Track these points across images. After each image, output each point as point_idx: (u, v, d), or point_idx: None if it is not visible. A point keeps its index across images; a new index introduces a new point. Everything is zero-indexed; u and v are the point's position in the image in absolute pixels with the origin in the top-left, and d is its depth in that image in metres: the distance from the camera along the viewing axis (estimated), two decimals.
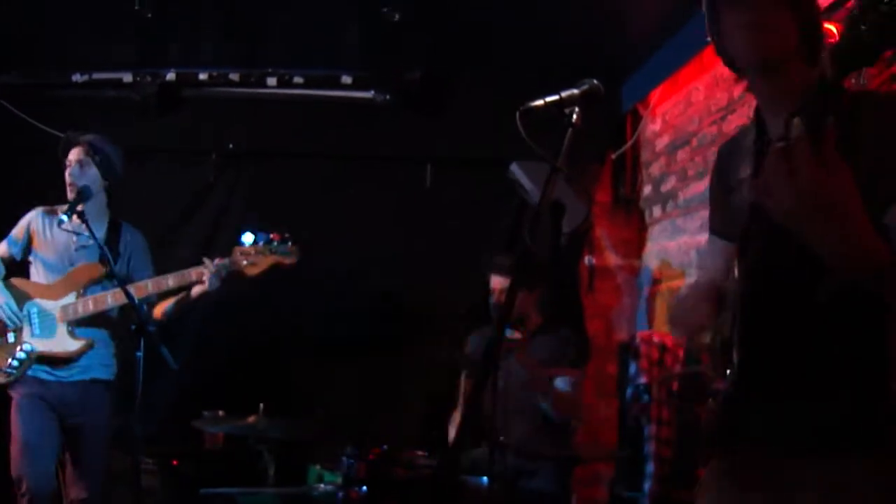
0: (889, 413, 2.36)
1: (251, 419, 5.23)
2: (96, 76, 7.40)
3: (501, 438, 4.69)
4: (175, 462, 6.22)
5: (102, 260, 5.19)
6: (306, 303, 6.76)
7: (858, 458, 2.34)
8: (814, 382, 2.43)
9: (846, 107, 2.25)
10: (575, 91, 2.66)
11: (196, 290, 5.33)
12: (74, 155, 5.35)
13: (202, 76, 7.23)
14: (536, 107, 2.65)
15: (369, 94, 7.04)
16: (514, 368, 5.20)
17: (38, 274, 5.41)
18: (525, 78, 6.39)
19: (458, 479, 4.79)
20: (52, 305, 5.27)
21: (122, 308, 5.32)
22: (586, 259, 7.15)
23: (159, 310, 5.47)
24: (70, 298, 5.27)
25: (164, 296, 5.42)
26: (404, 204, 7.11)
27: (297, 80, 7.11)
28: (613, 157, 7.22)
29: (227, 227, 7.17)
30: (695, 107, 6.16)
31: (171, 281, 5.27)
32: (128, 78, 7.32)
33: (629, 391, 5.97)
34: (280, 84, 7.14)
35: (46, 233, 5.41)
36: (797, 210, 2.05)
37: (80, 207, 5.16)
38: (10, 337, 5.23)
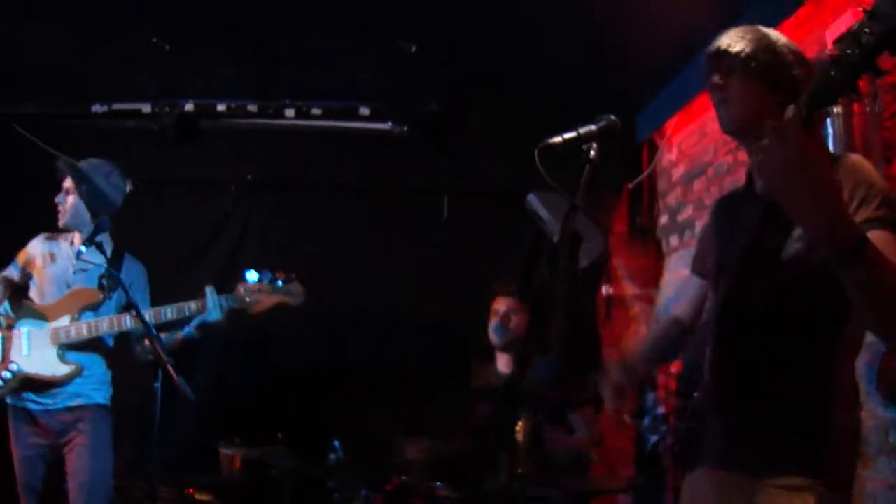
0: (827, 440, 2.55)
1: (269, 448, 5.29)
2: (115, 107, 7.48)
3: (520, 470, 4.74)
4: (192, 491, 6.18)
5: (101, 286, 5.25)
6: (323, 333, 6.84)
7: (802, 484, 2.52)
8: (764, 404, 2.61)
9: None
10: (592, 127, 2.75)
11: (199, 320, 5.30)
12: (65, 182, 5.40)
13: (220, 107, 7.31)
14: (555, 143, 2.74)
15: (387, 126, 7.09)
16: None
17: (35, 296, 5.40)
18: (541, 109, 6.47)
19: None
20: (45, 326, 5.25)
21: (120, 336, 5.33)
22: (604, 289, 7.19)
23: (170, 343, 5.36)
24: (63, 321, 5.24)
25: (164, 327, 5.33)
26: (421, 235, 7.17)
27: (315, 111, 7.15)
28: (630, 186, 7.27)
29: (244, 257, 7.25)
30: (710, 136, 6.19)
31: (170, 312, 5.23)
32: (146, 109, 7.40)
33: (646, 421, 5.98)
34: (298, 115, 7.18)
35: (46, 257, 5.44)
36: (784, 178, 2.24)
37: (98, 238, 5.17)
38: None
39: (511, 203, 6.70)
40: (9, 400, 5.25)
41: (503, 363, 5.97)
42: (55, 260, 5.43)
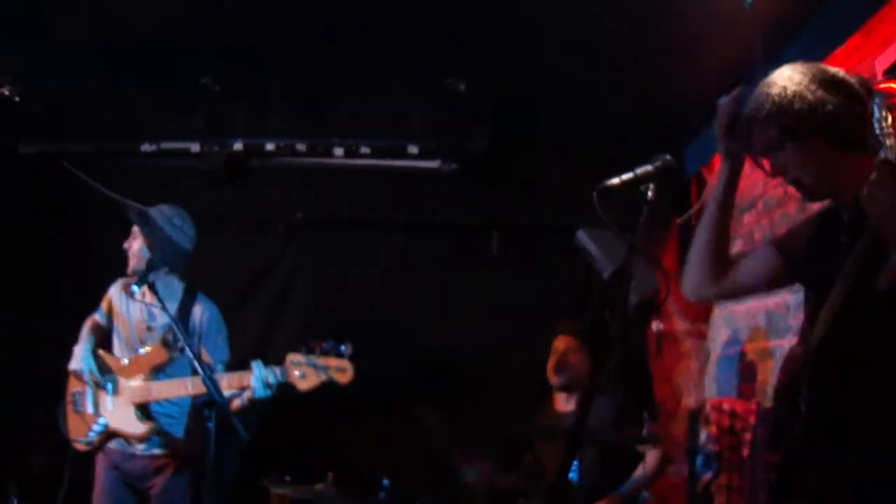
0: None
1: (319, 487, 5.32)
2: (164, 146, 7.60)
3: None
4: None
5: (165, 341, 5.34)
6: (374, 370, 6.85)
7: None
8: (866, 439, 2.56)
9: None
10: (649, 168, 2.78)
11: (247, 395, 5.31)
12: (133, 228, 5.51)
13: (269, 146, 7.41)
14: (612, 185, 2.75)
15: (435, 164, 7.20)
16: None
17: (116, 347, 5.56)
18: (590, 144, 6.55)
19: None
20: (124, 384, 5.39)
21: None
22: (654, 325, 7.20)
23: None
24: (138, 381, 5.36)
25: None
26: (471, 271, 7.23)
27: (364, 150, 7.24)
28: (679, 221, 7.28)
29: (294, 295, 7.37)
30: (759, 170, 6.19)
31: (224, 381, 5.19)
32: (195, 148, 7.52)
33: (699, 459, 5.99)
34: (347, 154, 7.28)
35: (122, 306, 5.57)
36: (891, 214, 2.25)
37: (150, 278, 5.24)
38: (90, 407, 5.40)
39: (560, 238, 6.68)
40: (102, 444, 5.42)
41: (562, 402, 6.02)
42: (130, 310, 5.53)
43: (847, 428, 2.61)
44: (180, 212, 5.60)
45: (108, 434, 5.35)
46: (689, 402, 6.95)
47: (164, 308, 5.04)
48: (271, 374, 5.19)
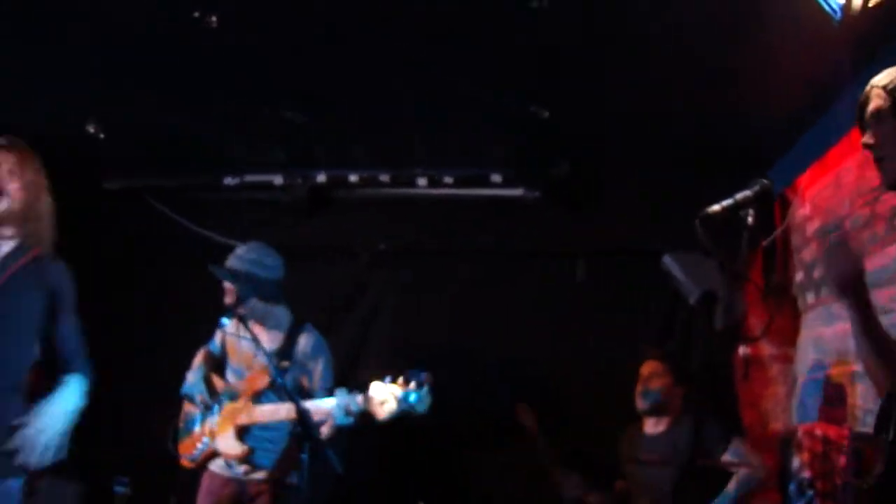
0: None
1: None
2: (248, 179, 7.78)
3: None
4: None
5: (266, 368, 5.47)
6: (460, 398, 6.92)
7: None
8: None
9: None
10: (749, 193, 2.86)
11: (329, 423, 5.35)
12: (224, 278, 5.74)
13: (352, 178, 7.52)
14: (714, 212, 2.84)
15: (519, 192, 7.19)
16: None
17: (228, 374, 5.86)
18: (674, 168, 6.60)
19: None
20: (229, 407, 5.65)
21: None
22: (741, 350, 7.21)
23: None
24: (241, 404, 5.60)
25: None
26: (556, 299, 7.27)
27: (447, 179, 7.31)
28: (764, 244, 7.30)
29: (379, 326, 7.50)
30: (845, 188, 6.13)
31: (311, 407, 5.26)
32: (278, 180, 7.68)
33: (792, 486, 5.98)
34: (430, 184, 7.36)
35: (235, 338, 5.80)
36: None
37: (240, 311, 5.50)
38: (197, 427, 5.71)
39: (646, 263, 6.69)
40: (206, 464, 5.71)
41: (651, 425, 6.09)
42: (241, 340, 5.75)
43: None
44: (261, 248, 5.82)
45: (211, 453, 5.63)
46: (777, 427, 6.95)
47: (254, 339, 5.19)
48: (353, 402, 5.27)
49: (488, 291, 7.37)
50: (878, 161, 2.86)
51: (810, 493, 5.68)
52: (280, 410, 5.41)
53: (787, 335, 7.05)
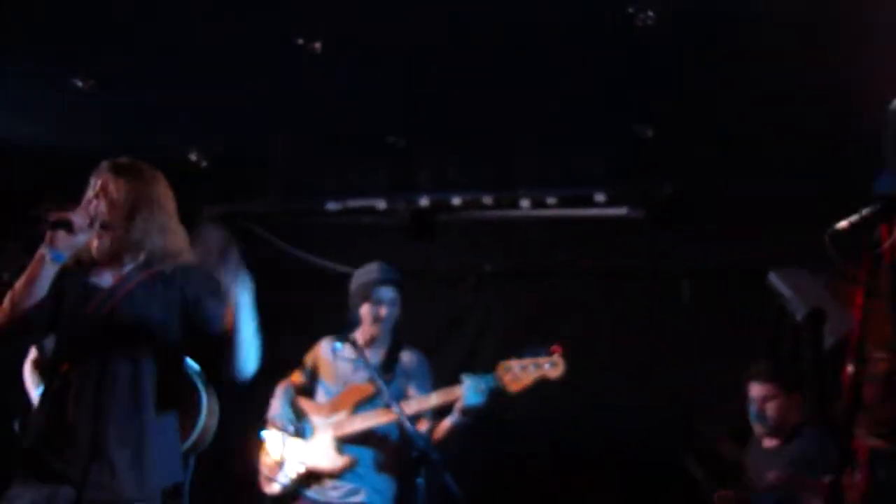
0: None
1: None
2: (351, 204, 7.95)
3: None
4: None
5: (372, 380, 5.58)
6: (565, 420, 7.01)
7: None
8: None
9: None
10: (874, 209, 2.92)
11: (458, 407, 5.48)
12: (387, 295, 5.89)
13: (455, 201, 7.65)
14: (842, 228, 2.91)
15: (622, 211, 7.25)
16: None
17: (320, 396, 5.94)
18: (779, 185, 6.59)
19: None
20: (324, 422, 5.76)
21: (402, 434, 5.62)
22: (850, 366, 7.16)
23: (440, 431, 5.64)
24: (340, 416, 5.72)
25: (437, 415, 5.64)
26: (661, 319, 7.24)
27: (550, 200, 7.37)
28: (871, 256, 7.24)
29: (485, 347, 7.54)
30: None
31: (433, 399, 5.56)
32: (381, 205, 7.85)
33: None
34: (533, 205, 7.44)
35: (332, 360, 5.92)
36: None
37: (351, 336, 5.69)
38: (285, 451, 5.79)
39: (751, 282, 6.68)
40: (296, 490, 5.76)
41: (767, 441, 6.10)
42: (339, 360, 5.90)
43: None
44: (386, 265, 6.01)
45: (305, 475, 5.70)
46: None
47: (364, 360, 5.48)
48: (482, 382, 5.44)
49: (593, 312, 7.35)
50: None
51: None
52: (381, 415, 5.56)
53: None
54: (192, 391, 5.75)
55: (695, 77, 5.55)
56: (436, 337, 7.66)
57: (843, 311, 6.59)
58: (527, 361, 5.45)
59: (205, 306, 3.96)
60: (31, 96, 6.50)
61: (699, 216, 7.21)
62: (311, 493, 5.72)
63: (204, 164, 7.03)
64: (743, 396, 5.98)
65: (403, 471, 5.64)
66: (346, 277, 6.20)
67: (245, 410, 6.21)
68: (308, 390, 6.02)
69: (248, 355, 3.88)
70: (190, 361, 5.67)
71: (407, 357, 5.91)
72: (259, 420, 6.05)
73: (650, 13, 4.69)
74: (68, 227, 3.76)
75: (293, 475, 5.73)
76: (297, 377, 6.05)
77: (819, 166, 6.37)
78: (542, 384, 5.47)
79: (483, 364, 6.66)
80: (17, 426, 5.87)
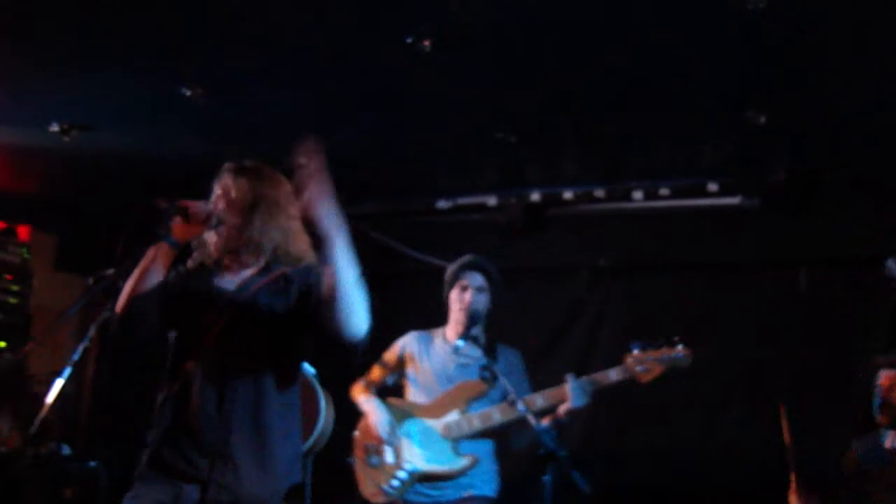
0: None
1: None
2: (461, 201, 8.12)
3: None
4: None
5: (483, 378, 5.55)
6: (687, 415, 7.10)
7: None
8: None
9: None
10: None
11: (562, 409, 5.48)
12: (474, 281, 5.87)
13: (567, 195, 7.73)
14: None
15: (736, 200, 7.26)
16: None
17: (414, 394, 5.93)
18: (891, 170, 6.62)
19: None
20: (435, 423, 5.74)
21: (511, 426, 5.60)
22: None
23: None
24: (453, 416, 5.70)
25: (538, 414, 5.43)
26: (779, 309, 7.20)
27: (663, 191, 7.43)
28: None
29: (601, 341, 7.61)
30: None
31: (539, 400, 5.53)
32: (492, 201, 7.98)
33: None
34: (646, 197, 7.49)
35: (422, 355, 5.95)
36: None
37: (473, 332, 5.67)
38: (389, 457, 5.79)
39: (869, 269, 6.57)
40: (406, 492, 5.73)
41: (892, 439, 6.09)
42: (433, 356, 5.92)
43: None
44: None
45: (417, 478, 5.68)
46: None
47: (485, 356, 5.47)
48: (587, 384, 5.48)
49: (708, 304, 7.37)
50: None
51: None
52: (495, 413, 5.58)
53: None
54: (311, 393, 5.97)
55: (808, 60, 5.55)
56: (551, 333, 7.79)
57: None
58: (655, 352, 5.49)
59: (316, 296, 3.93)
60: (140, 106, 6.78)
61: (813, 203, 7.16)
62: (420, 495, 5.71)
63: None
64: (865, 385, 5.96)
65: (529, 468, 5.48)
66: None
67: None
68: (392, 388, 6.07)
69: (356, 308, 3.68)
70: (307, 365, 5.90)
71: (503, 355, 5.84)
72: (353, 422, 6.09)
73: None
74: (185, 214, 3.90)
75: (404, 481, 5.70)
76: (378, 374, 6.09)
77: None
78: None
79: (597, 358, 6.81)
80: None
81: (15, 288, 8.94)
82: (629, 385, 5.47)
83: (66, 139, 7.25)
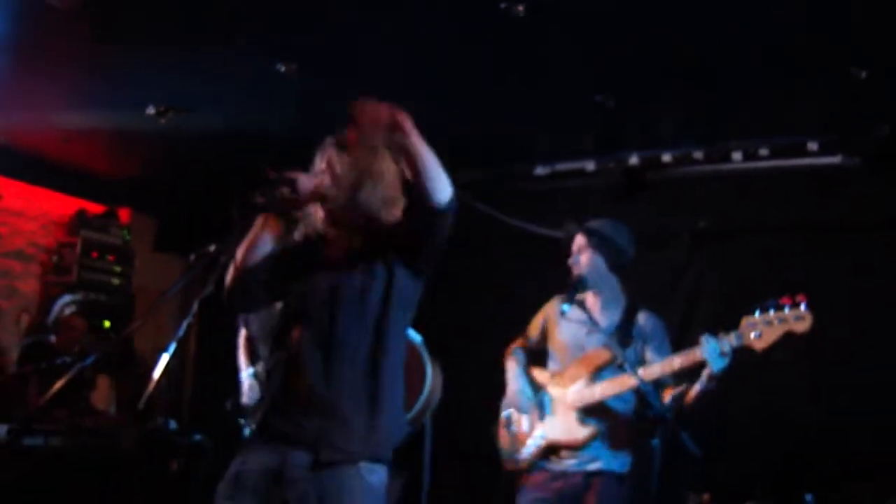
0: None
1: None
2: (559, 167, 8.21)
3: None
4: None
5: (608, 345, 5.58)
6: (796, 378, 7.08)
7: None
8: None
9: None
10: None
11: (705, 374, 5.29)
12: (574, 244, 5.89)
13: (666, 157, 7.79)
14: None
15: (837, 160, 7.22)
16: None
17: (552, 361, 5.97)
18: None
19: None
20: (562, 393, 5.74)
21: (637, 396, 5.58)
22: None
23: (689, 398, 5.40)
24: (579, 385, 5.67)
25: (678, 379, 5.45)
26: (881, 274, 7.12)
27: (762, 151, 7.40)
28: None
29: (703, 306, 7.66)
30: None
31: (676, 361, 5.37)
32: (591, 166, 8.07)
33: None
34: (745, 157, 7.48)
35: (560, 321, 5.94)
36: None
37: (579, 296, 5.71)
38: (524, 426, 5.86)
39: None
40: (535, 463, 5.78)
41: None
42: (569, 323, 5.88)
43: None
44: (623, 225, 6.00)
45: (547, 448, 5.69)
46: None
47: (592, 321, 5.58)
48: (725, 343, 5.23)
49: (812, 266, 7.26)
50: None
51: None
52: (622, 382, 5.50)
53: None
54: (418, 361, 6.11)
55: None
56: (651, 298, 7.64)
57: None
58: (771, 316, 5.23)
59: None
60: (235, 85, 6.99)
61: None
62: (549, 464, 5.71)
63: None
64: None
65: (639, 433, 5.65)
66: (557, 242, 6.26)
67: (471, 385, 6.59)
68: (537, 355, 6.09)
69: (438, 173, 3.92)
70: (413, 332, 6.03)
71: (643, 319, 5.82)
72: (487, 393, 6.20)
73: None
74: (292, 185, 3.99)
75: (534, 450, 5.74)
76: (522, 341, 6.15)
77: None
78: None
79: (699, 323, 6.85)
80: (228, 405, 6.36)
81: (117, 269, 9.28)
82: (741, 353, 5.28)
83: (163, 121, 7.49)
